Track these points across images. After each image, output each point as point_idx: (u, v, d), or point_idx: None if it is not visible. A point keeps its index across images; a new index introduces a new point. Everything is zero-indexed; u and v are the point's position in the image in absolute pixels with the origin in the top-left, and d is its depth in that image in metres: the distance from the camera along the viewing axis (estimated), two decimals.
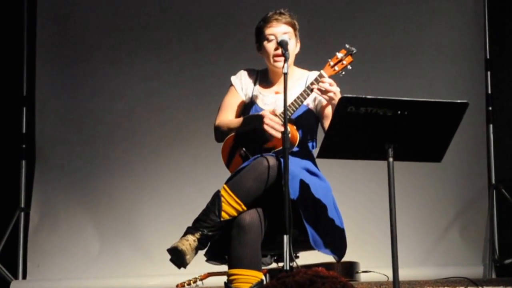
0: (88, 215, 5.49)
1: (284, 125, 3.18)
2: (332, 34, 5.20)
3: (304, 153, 3.49)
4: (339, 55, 3.46)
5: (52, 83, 5.58)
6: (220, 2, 5.54)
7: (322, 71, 3.44)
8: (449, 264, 5.18)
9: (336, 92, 3.35)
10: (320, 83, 3.37)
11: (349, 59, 3.46)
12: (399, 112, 3.03)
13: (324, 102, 3.47)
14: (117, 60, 5.55)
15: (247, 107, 3.61)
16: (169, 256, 3.22)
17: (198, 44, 5.50)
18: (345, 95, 3.02)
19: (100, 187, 5.51)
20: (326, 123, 3.45)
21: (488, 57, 5.36)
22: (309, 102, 3.54)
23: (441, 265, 5.17)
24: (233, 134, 3.54)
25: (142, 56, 5.54)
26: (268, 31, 3.51)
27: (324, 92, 3.35)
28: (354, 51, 3.47)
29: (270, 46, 3.50)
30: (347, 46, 3.48)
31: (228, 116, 3.60)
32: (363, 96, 3.00)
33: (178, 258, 3.18)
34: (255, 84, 3.64)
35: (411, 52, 5.39)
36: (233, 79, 3.67)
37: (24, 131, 5.60)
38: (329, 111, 3.46)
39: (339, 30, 5.29)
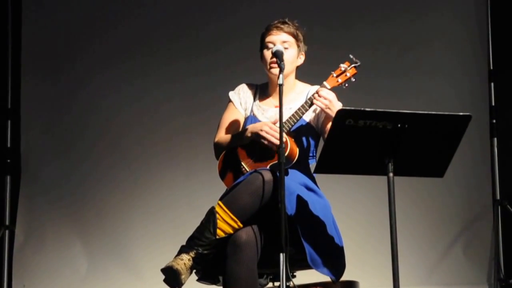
0: (76, 232, 5.42)
1: (280, 138, 3.13)
2: (333, 47, 5.15)
3: (302, 169, 3.46)
4: (343, 66, 3.43)
5: (38, 95, 5.52)
6: (216, 16, 5.51)
7: (325, 82, 3.41)
8: (452, 283, 5.15)
9: (331, 100, 3.33)
10: (318, 90, 3.36)
11: (352, 71, 3.44)
12: (399, 125, 2.99)
13: (323, 117, 3.46)
14: (107, 73, 5.49)
15: (247, 122, 3.58)
16: (161, 276, 3.15)
17: (191, 60, 5.47)
18: (343, 107, 2.97)
19: (88, 203, 5.44)
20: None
21: (491, 68, 5.33)
22: (310, 117, 3.53)
23: (444, 284, 5.14)
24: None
25: (133, 69, 5.50)
26: (268, 38, 3.53)
27: (319, 99, 3.33)
28: (359, 64, 3.43)
29: (268, 54, 3.50)
30: (351, 57, 3.44)
31: (228, 132, 3.58)
32: (362, 109, 2.95)
33: (172, 278, 3.12)
34: (254, 98, 3.63)
35: (412, 64, 5.37)
36: (231, 94, 3.67)
37: (9, 145, 5.52)
38: (328, 126, 3.42)
39: (340, 41, 5.24)
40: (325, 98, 3.34)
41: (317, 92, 3.37)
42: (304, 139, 3.49)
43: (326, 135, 3.42)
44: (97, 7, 5.55)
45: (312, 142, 3.52)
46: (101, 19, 5.55)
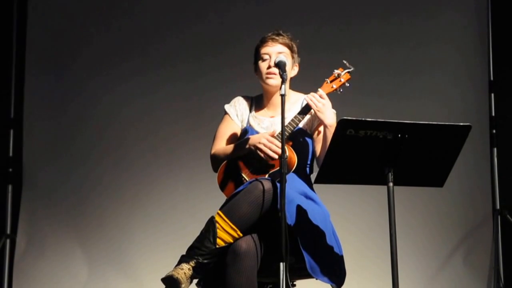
0: (77, 240, 5.41)
1: (282, 148, 3.12)
2: (331, 54, 5.15)
3: (300, 175, 3.47)
4: (336, 72, 3.46)
5: (40, 105, 5.51)
6: (217, 26, 5.50)
7: (319, 89, 3.43)
8: None
9: (324, 104, 3.35)
10: (312, 93, 3.38)
11: (346, 76, 3.47)
12: (399, 135, 3.00)
13: (316, 124, 3.49)
14: (109, 83, 5.48)
15: (243, 134, 3.59)
16: (161, 285, 3.15)
17: (192, 66, 5.45)
18: (344, 117, 2.96)
19: (89, 211, 5.42)
20: (317, 147, 3.49)
21: (492, 78, 5.32)
22: (306, 124, 3.55)
23: None
24: None
25: (134, 79, 5.48)
26: (263, 50, 3.54)
27: (314, 100, 3.36)
28: (352, 69, 3.45)
29: (264, 65, 3.53)
30: (344, 62, 3.47)
31: (224, 144, 3.59)
32: (363, 119, 2.96)
33: (173, 287, 3.10)
34: (250, 110, 3.65)
35: (413, 74, 5.35)
36: (227, 107, 3.69)
37: (11, 154, 5.53)
38: (317, 134, 3.49)
39: (339, 49, 5.23)
40: (318, 101, 3.36)
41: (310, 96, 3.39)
42: (301, 146, 3.49)
43: (316, 144, 3.49)
44: (95, 11, 5.54)
45: (309, 149, 3.52)
46: (107, 28, 5.53)
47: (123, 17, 5.55)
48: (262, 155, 3.35)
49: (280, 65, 3.33)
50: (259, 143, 3.36)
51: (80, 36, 5.54)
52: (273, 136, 3.37)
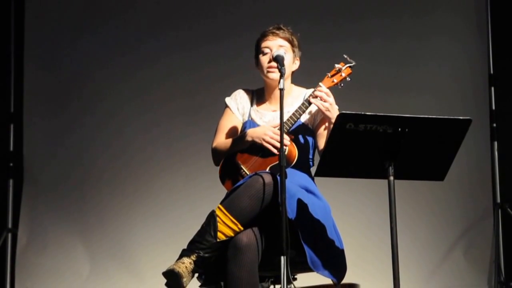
0: (78, 235, 5.42)
1: (280, 142, 3.13)
2: (331, 47, 5.15)
3: (302, 171, 3.46)
4: (338, 67, 3.45)
5: (40, 99, 5.51)
6: (215, 19, 5.50)
7: (320, 83, 3.42)
8: (452, 286, 5.14)
9: (332, 103, 3.34)
10: (317, 91, 3.37)
11: (347, 71, 3.46)
12: (399, 129, 2.99)
13: (319, 119, 3.48)
14: (108, 76, 5.49)
15: (245, 127, 3.58)
16: (162, 279, 3.15)
17: (191, 61, 5.45)
18: (344, 111, 2.96)
19: (90, 206, 5.43)
20: (320, 141, 3.47)
21: (491, 72, 5.32)
22: (307, 118, 3.54)
23: (445, 287, 5.10)
24: None
25: (133, 73, 5.49)
26: (263, 44, 3.54)
27: (319, 99, 3.34)
28: (353, 64, 3.45)
29: (265, 59, 3.52)
30: (345, 56, 3.47)
31: (226, 138, 3.58)
32: (362, 113, 2.95)
33: (174, 281, 3.11)
34: (251, 104, 3.64)
35: (413, 67, 5.36)
36: (228, 100, 3.68)
37: (11, 149, 5.54)
38: (323, 129, 3.47)
39: (339, 42, 5.23)
40: (325, 101, 3.34)
41: (315, 95, 3.38)
42: (302, 140, 3.49)
43: (318, 139, 3.47)
44: (94, 6, 5.53)
45: (310, 143, 3.52)
46: (106, 25, 5.53)
47: (122, 12, 5.55)
48: (268, 147, 3.35)
49: (278, 59, 3.33)
50: (265, 134, 3.36)
51: (79, 31, 5.54)
52: (275, 128, 3.36)
